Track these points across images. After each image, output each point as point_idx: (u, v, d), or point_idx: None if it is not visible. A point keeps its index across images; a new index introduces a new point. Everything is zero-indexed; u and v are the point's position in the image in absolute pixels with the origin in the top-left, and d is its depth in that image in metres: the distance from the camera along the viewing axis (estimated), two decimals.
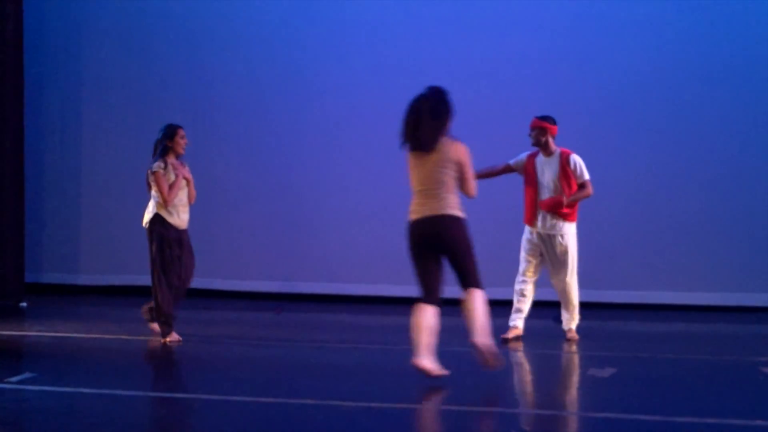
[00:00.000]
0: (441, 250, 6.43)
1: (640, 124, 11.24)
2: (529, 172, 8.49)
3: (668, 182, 11.17)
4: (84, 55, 12.33)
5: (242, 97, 11.95)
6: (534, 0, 11.49)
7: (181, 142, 8.21)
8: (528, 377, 7.31)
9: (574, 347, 8.20)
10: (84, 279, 12.26)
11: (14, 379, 6.45)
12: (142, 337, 8.37)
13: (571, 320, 8.63)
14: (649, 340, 8.94)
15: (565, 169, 8.37)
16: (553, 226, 8.45)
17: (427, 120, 6.43)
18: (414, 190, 6.54)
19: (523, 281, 8.59)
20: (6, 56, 11.06)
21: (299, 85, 11.84)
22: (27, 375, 6.64)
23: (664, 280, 11.04)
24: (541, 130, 8.44)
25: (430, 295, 6.40)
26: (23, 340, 8.52)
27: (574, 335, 8.55)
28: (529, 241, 8.56)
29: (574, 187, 8.42)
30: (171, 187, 8.09)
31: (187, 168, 8.28)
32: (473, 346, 6.41)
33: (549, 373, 7.32)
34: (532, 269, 8.58)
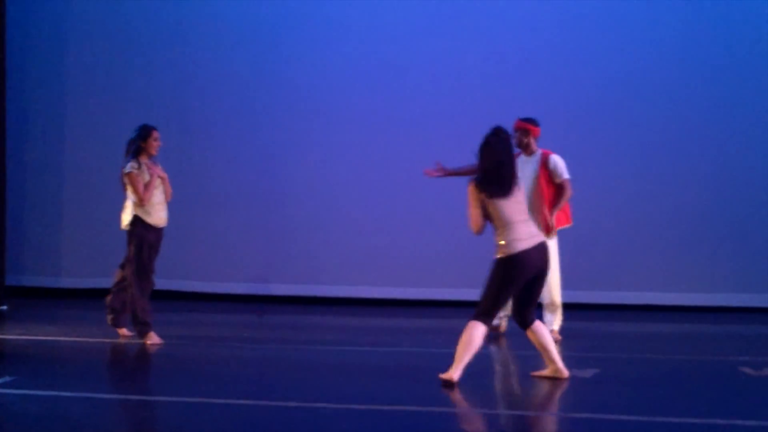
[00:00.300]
0: (542, 274, 6.55)
1: (627, 123, 11.26)
2: None
3: (646, 184, 11.20)
4: (67, 54, 12.25)
5: (222, 98, 11.90)
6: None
7: (154, 144, 8.23)
8: (511, 378, 7.32)
9: (557, 348, 8.20)
10: (66, 282, 12.19)
11: None
12: (123, 341, 8.34)
13: (554, 321, 8.70)
14: (630, 340, 8.98)
15: (544, 169, 8.53)
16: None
17: (509, 163, 6.53)
18: (511, 221, 6.45)
19: None
20: None
21: (276, 88, 11.78)
22: (6, 378, 6.59)
23: (645, 281, 11.08)
24: (524, 131, 8.60)
25: (493, 318, 6.53)
26: (3, 344, 8.47)
27: (556, 336, 8.59)
28: None
29: (552, 187, 8.51)
30: (146, 186, 8.11)
31: (159, 167, 8.30)
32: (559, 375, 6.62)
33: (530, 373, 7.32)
34: None
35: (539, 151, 8.61)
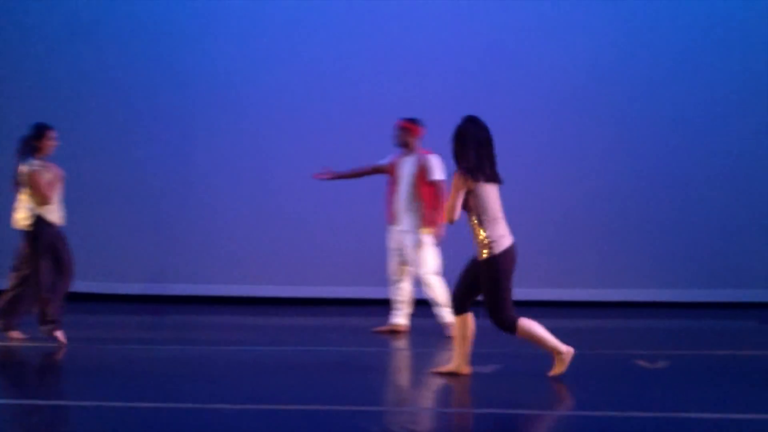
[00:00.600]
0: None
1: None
2: (392, 172, 8.83)
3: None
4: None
5: (124, 96, 11.63)
6: None
7: (49, 144, 8.11)
8: (403, 375, 7.33)
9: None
10: None
11: None
12: (23, 344, 8.08)
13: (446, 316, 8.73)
14: None
15: (420, 169, 8.67)
16: (409, 225, 8.68)
17: (492, 148, 6.51)
18: (496, 217, 6.45)
19: (395, 280, 8.91)
20: None
21: (183, 86, 11.60)
22: None
23: (547, 278, 11.20)
24: (405, 131, 8.81)
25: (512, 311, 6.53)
26: None
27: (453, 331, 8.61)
28: (392, 240, 8.84)
29: (428, 186, 8.66)
30: (49, 185, 8.00)
31: (55, 165, 8.17)
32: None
33: (424, 370, 7.33)
34: (398, 267, 8.85)
35: (419, 150, 8.78)
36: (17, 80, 11.68)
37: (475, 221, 6.43)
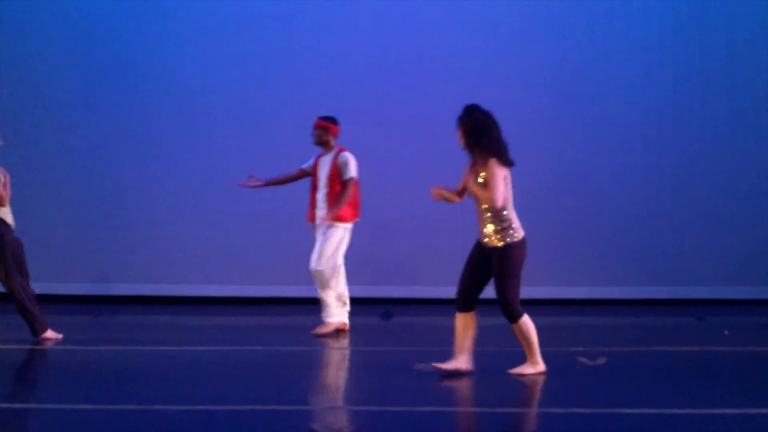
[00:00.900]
0: None
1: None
2: (313, 172, 8.89)
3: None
4: None
5: (60, 91, 11.48)
6: None
7: None
8: (337, 373, 7.32)
9: (402, 344, 8.25)
10: None
11: None
12: None
13: (334, 314, 8.74)
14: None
15: (335, 167, 8.71)
16: (322, 221, 8.74)
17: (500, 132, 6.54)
18: (511, 207, 6.48)
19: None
20: None
21: (134, 86, 11.49)
22: None
23: None
24: (323, 129, 8.84)
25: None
26: None
27: (324, 330, 8.67)
28: (317, 238, 8.84)
29: (343, 184, 8.70)
30: (3, 186, 7.98)
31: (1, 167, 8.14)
32: None
33: (371, 369, 7.33)
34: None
35: (336, 149, 8.82)
36: None
37: (499, 209, 6.41)
